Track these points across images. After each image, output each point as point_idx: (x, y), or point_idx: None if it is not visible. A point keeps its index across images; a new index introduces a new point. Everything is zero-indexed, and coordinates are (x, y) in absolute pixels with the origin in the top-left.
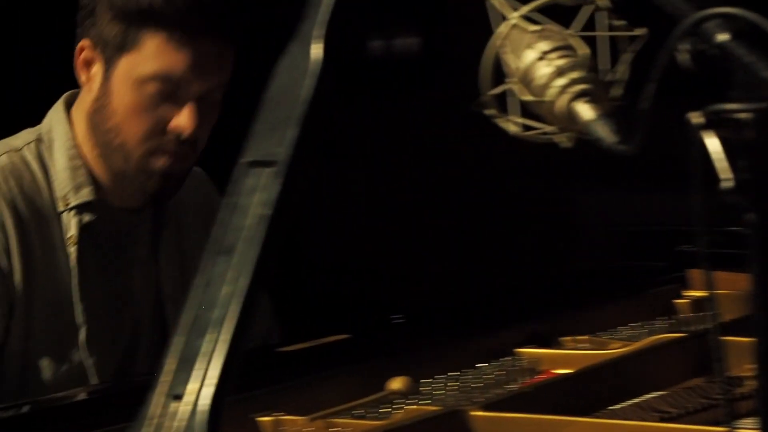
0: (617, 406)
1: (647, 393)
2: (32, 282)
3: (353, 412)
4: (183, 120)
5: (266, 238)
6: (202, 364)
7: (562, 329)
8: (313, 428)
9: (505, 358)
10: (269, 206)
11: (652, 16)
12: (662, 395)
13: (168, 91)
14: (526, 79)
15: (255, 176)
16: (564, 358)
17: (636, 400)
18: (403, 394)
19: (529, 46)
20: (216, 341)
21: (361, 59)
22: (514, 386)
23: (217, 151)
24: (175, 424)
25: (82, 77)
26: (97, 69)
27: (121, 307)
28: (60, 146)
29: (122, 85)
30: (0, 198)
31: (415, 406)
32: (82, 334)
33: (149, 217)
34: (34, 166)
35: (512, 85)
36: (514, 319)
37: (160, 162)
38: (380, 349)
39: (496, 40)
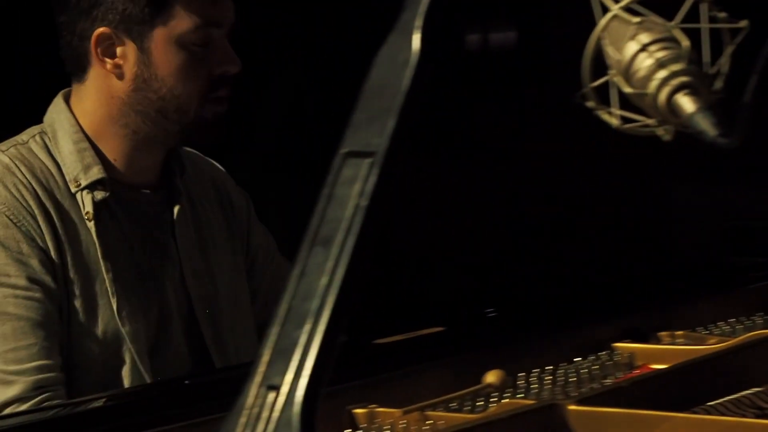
0: (714, 402)
1: (745, 389)
2: (63, 258)
3: (448, 405)
4: (229, 61)
5: (363, 229)
6: (297, 355)
7: (660, 324)
8: (407, 421)
9: (602, 353)
10: (367, 197)
11: (754, 9)
12: (760, 391)
13: (205, 41)
14: (627, 71)
15: (353, 167)
16: (661, 353)
17: (733, 397)
18: (497, 388)
19: (630, 38)
20: (312, 332)
21: (458, 52)
22: (610, 381)
23: (316, 142)
24: (271, 414)
25: (107, 65)
26: (126, 50)
27: (146, 280)
28: (64, 134)
29: (164, 51)
30: (18, 183)
31: (509, 400)
32: (114, 304)
33: (162, 195)
34: (42, 155)
35: (613, 78)
36: (612, 313)
37: (216, 107)
38: (475, 342)
39: (597, 32)
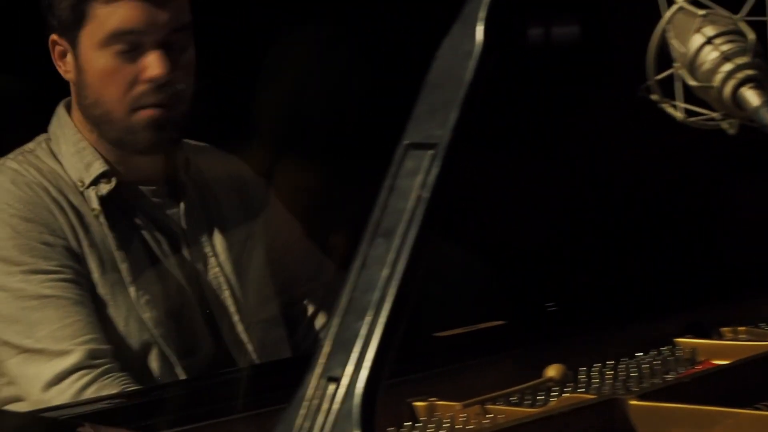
0: None
1: None
2: (81, 248)
3: (508, 398)
4: (151, 66)
5: (425, 221)
6: (358, 347)
7: (723, 320)
8: (467, 414)
9: (664, 348)
10: (428, 189)
11: None
12: None
13: (129, 46)
14: (692, 64)
15: (415, 158)
16: (723, 348)
17: None
18: (558, 382)
19: (695, 30)
20: (373, 324)
21: (521, 46)
22: (671, 376)
23: (379, 133)
24: (331, 406)
25: (61, 71)
26: (69, 56)
27: (161, 269)
28: (65, 138)
29: (88, 56)
30: (30, 183)
31: (570, 394)
32: (132, 293)
33: (167, 190)
34: (49, 160)
35: (678, 70)
36: (675, 308)
37: (146, 114)
38: (536, 336)
39: (662, 25)
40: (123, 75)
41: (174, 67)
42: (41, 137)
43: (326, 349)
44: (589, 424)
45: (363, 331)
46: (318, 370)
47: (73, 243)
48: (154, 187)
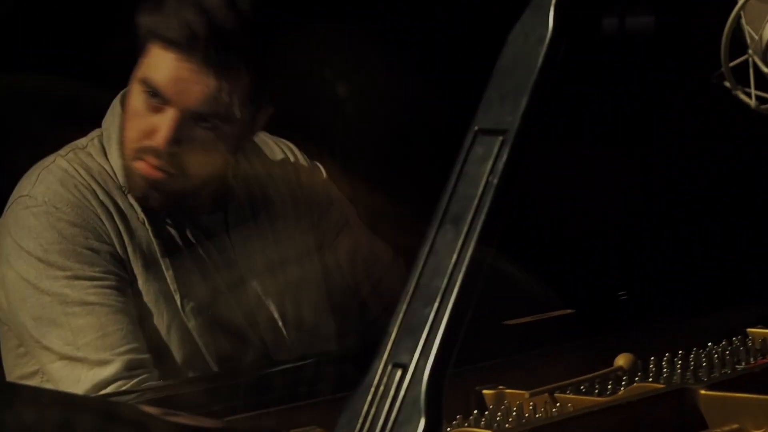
0: None
1: None
2: (126, 254)
3: (577, 387)
4: (158, 130)
5: (494, 207)
6: (425, 333)
7: None
8: (535, 403)
9: (735, 338)
10: (497, 175)
11: None
12: None
13: (155, 98)
14: (765, 51)
15: (485, 144)
16: None
17: None
18: (628, 371)
19: None
20: (440, 311)
21: (596, 35)
22: (742, 366)
23: (450, 118)
24: (398, 392)
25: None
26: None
27: (207, 276)
28: (114, 138)
29: (132, 83)
30: (78, 185)
31: (639, 384)
32: (178, 300)
33: (215, 195)
34: (100, 158)
35: (752, 57)
36: (747, 298)
37: (141, 167)
38: (606, 325)
39: (736, 12)
40: (142, 119)
41: (183, 142)
42: (95, 132)
43: (393, 335)
44: (659, 413)
45: (430, 318)
46: (384, 356)
47: (119, 249)
48: (200, 192)
